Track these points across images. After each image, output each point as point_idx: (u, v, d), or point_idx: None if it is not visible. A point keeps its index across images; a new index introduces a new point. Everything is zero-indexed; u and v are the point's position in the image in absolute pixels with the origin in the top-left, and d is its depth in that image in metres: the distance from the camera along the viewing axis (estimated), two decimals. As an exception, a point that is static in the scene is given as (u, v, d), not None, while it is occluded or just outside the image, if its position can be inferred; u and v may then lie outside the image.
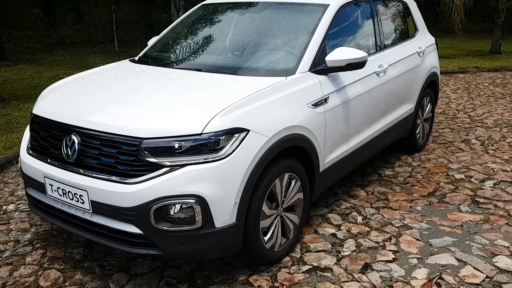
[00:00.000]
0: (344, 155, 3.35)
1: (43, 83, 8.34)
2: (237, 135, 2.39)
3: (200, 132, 2.31)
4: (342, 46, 3.20)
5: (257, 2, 3.64)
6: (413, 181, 4.14)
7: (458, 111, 6.72)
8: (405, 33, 4.44)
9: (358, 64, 3.05)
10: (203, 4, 3.97)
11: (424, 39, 4.69)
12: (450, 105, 7.09)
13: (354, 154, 3.48)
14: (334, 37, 3.33)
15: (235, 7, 3.75)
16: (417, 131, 4.75)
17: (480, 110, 6.75)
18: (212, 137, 2.32)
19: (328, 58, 3.03)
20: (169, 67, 3.21)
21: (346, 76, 3.25)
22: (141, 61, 3.52)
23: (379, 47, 3.80)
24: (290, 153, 2.78)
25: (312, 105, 2.91)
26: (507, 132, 5.61)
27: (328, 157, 3.16)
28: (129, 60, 3.60)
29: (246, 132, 2.43)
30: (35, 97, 3.28)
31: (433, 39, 4.95)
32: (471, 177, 4.23)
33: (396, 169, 4.46)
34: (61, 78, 9.25)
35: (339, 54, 3.02)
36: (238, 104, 2.48)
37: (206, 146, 2.31)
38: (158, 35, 3.96)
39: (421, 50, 4.45)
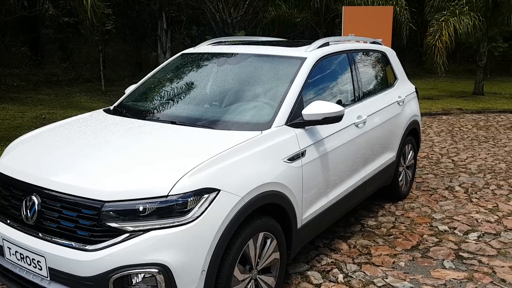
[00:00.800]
0: (324, 208, 3.25)
1: (25, 124, 8.22)
2: (206, 195, 2.28)
3: (166, 194, 2.20)
4: (319, 100, 3.16)
5: (235, 53, 3.62)
6: (396, 233, 4.03)
7: (441, 155, 6.70)
8: (385, 82, 4.45)
9: (335, 118, 3.00)
10: (182, 54, 3.95)
11: (404, 87, 4.70)
12: (434, 149, 7.09)
13: (334, 207, 3.38)
14: (311, 89, 3.30)
15: (214, 57, 3.73)
16: (400, 179, 4.69)
17: (463, 154, 6.74)
18: (179, 199, 2.21)
19: (305, 112, 2.98)
20: (143, 119, 3.13)
21: (324, 129, 3.19)
22: (116, 111, 3.44)
23: (358, 98, 3.78)
24: (265, 210, 2.67)
25: (288, 159, 2.82)
26: (490, 178, 5.58)
27: (306, 212, 3.06)
28: (104, 110, 3.52)
29: (216, 192, 2.32)
30: (15, 139, 3.16)
31: (413, 87, 4.98)
32: (455, 228, 4.13)
33: (380, 218, 4.35)
34: (44, 118, 9.16)
35: (316, 108, 2.97)
36: (210, 162, 2.38)
37: (172, 209, 2.19)
38: (146, 74, 3.92)
39: (400, 99, 4.45)
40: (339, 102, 3.57)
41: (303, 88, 3.16)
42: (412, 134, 4.83)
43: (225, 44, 3.96)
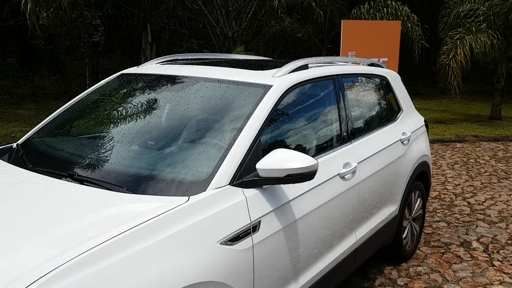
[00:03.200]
0: (292, 297, 2.30)
1: (-12, 144, 7.38)
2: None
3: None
4: (288, 145, 2.25)
5: (183, 77, 2.71)
6: (395, 315, 3.05)
7: (455, 195, 5.70)
8: (385, 115, 3.51)
9: (304, 176, 2.06)
10: (121, 74, 3.06)
11: (410, 120, 3.75)
12: (447, 186, 6.08)
13: (308, 291, 2.43)
14: (276, 130, 2.38)
15: (156, 81, 2.82)
16: (404, 236, 3.71)
17: (481, 195, 5.73)
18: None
19: (260, 166, 2.06)
20: (34, 169, 2.21)
21: (292, 187, 2.27)
22: (17, 151, 2.55)
23: (346, 139, 2.84)
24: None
25: (229, 241, 1.89)
26: (516, 231, 4.57)
27: (261, 309, 2.11)
28: (2, 148, 2.62)
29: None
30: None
31: (422, 119, 4.02)
32: (474, 309, 3.14)
33: (375, 290, 3.38)
34: (14, 137, 8.34)
35: (275, 161, 2.05)
36: (79, 262, 1.45)
37: None
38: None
39: (405, 137, 3.49)
40: (318, 147, 2.64)
41: (263, 129, 2.24)
42: (420, 178, 3.86)
43: (177, 63, 3.06)
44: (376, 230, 3.13)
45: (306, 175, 2.07)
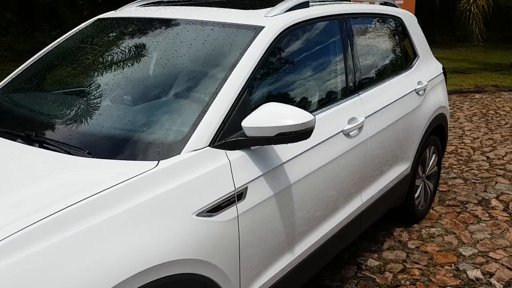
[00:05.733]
0: (287, 270, 2.04)
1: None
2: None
3: None
4: (283, 98, 1.91)
5: (166, 20, 2.33)
6: (406, 283, 2.80)
7: (473, 149, 5.33)
8: (398, 63, 3.10)
9: (298, 134, 1.74)
10: (97, 19, 2.69)
11: (427, 68, 3.34)
12: (464, 140, 5.71)
13: (305, 265, 2.16)
14: (269, 82, 2.03)
15: (135, 25, 2.44)
16: (417, 195, 3.41)
17: (501, 148, 5.35)
18: None
19: (246, 123, 1.74)
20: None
21: (286, 147, 1.95)
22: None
23: (352, 91, 2.47)
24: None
25: (207, 212, 1.61)
26: (539, 188, 4.23)
27: (253, 284, 1.86)
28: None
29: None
30: None
31: (440, 66, 3.60)
32: (491, 275, 2.88)
33: (385, 254, 3.12)
34: None
35: (264, 117, 1.72)
36: (11, 242, 1.19)
37: None
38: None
39: (421, 87, 3.10)
40: (319, 101, 2.29)
41: (253, 80, 1.90)
42: (436, 133, 3.51)
43: (160, 5, 2.68)
44: (385, 191, 2.82)
45: (301, 134, 1.74)
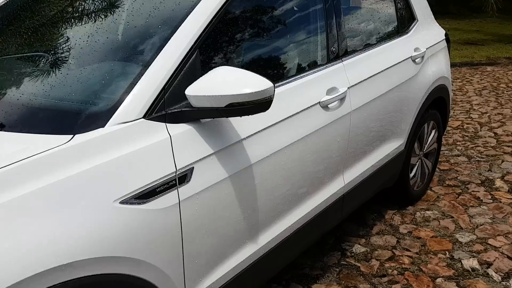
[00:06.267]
0: (247, 264, 1.77)
1: None
2: None
3: None
4: (241, 63, 1.60)
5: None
6: (394, 272, 2.54)
7: (480, 125, 4.97)
8: (392, 25, 2.73)
9: (255, 106, 1.44)
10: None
11: (426, 33, 2.97)
12: (472, 115, 5.34)
13: (271, 256, 1.90)
14: (227, 43, 1.71)
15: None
16: (412, 175, 3.11)
17: (510, 124, 4.98)
18: None
19: (190, 91, 1.44)
20: None
21: (247, 121, 1.65)
22: None
23: (335, 56, 2.14)
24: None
25: (136, 198, 1.33)
26: (549, 168, 3.89)
27: (203, 283, 1.60)
28: None
29: None
30: None
31: (442, 32, 3.22)
32: (488, 265, 2.59)
33: (372, 239, 2.85)
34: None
35: (213, 84, 1.42)
36: None
37: None
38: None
39: (418, 54, 2.75)
40: (290, 67, 1.96)
41: (205, 39, 1.58)
42: (436, 106, 3.17)
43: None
44: (373, 170, 2.53)
45: (258, 105, 1.44)
